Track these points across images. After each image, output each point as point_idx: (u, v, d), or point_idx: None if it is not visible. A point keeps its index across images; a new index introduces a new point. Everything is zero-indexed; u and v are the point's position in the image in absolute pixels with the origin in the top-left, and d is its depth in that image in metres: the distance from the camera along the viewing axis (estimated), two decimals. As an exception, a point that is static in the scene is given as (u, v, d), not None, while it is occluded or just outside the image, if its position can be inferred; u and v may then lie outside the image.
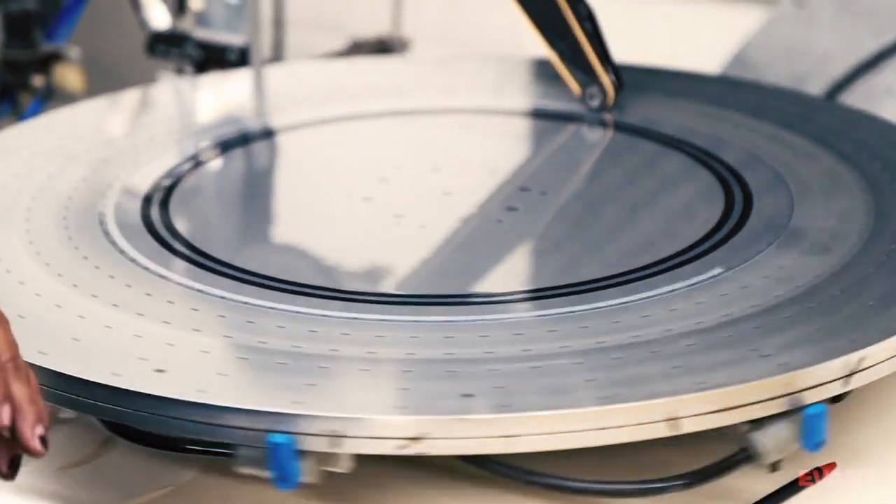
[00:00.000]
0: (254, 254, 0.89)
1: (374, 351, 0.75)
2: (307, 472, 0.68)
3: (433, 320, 0.78)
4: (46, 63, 1.27)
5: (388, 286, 0.85)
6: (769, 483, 0.75)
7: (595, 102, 1.04)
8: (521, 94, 1.17)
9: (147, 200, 0.94)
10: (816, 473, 0.75)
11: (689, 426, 0.69)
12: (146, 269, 0.84)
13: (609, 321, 0.78)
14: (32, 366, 0.69)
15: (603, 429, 0.69)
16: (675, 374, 0.71)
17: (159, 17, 1.27)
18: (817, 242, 0.87)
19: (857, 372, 0.72)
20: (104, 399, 0.71)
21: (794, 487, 0.75)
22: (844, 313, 0.77)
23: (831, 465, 0.75)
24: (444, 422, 0.68)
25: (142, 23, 1.28)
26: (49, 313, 0.78)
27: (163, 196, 0.96)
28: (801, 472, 0.75)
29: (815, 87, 1.19)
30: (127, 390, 0.70)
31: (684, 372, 0.72)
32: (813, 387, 0.71)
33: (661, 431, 0.69)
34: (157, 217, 0.92)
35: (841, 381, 0.72)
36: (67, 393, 0.72)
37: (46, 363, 0.72)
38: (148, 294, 0.81)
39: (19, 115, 1.33)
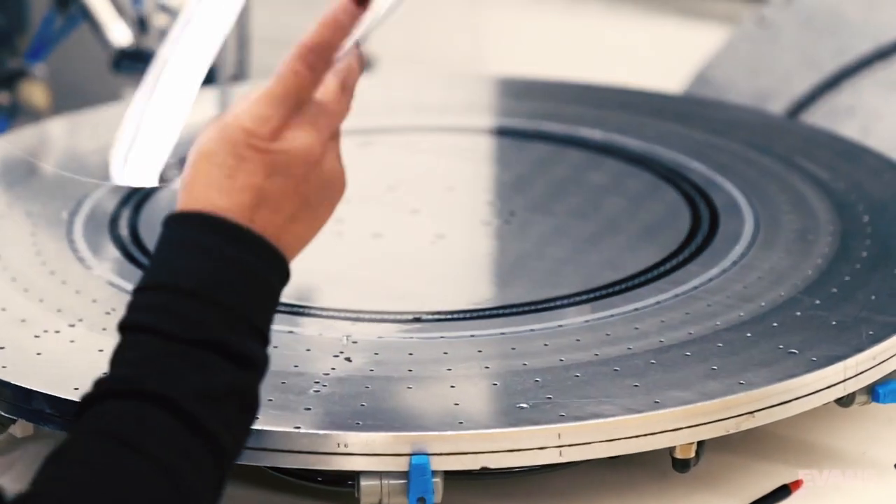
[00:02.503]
0: None
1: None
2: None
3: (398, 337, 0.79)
4: (11, 80, 1.29)
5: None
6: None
7: None
8: (487, 113, 1.16)
9: (113, 219, 0.96)
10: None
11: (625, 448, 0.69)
12: (114, 286, 0.85)
13: (572, 339, 0.78)
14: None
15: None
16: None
17: (120, 35, 1.29)
18: (776, 268, 0.86)
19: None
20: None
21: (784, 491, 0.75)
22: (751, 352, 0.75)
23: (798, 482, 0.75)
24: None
25: (102, 41, 1.30)
26: (13, 328, 0.79)
27: (129, 215, 0.97)
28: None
29: (778, 105, 1.18)
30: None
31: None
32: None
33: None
34: (124, 235, 0.94)
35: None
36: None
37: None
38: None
39: (-16, 132, 1.35)
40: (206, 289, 0.58)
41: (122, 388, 0.57)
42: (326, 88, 0.64)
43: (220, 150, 0.61)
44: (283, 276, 0.61)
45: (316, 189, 0.63)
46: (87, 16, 1.29)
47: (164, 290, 0.59)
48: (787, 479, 0.75)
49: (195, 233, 0.60)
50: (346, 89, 0.64)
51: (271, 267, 0.60)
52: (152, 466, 0.54)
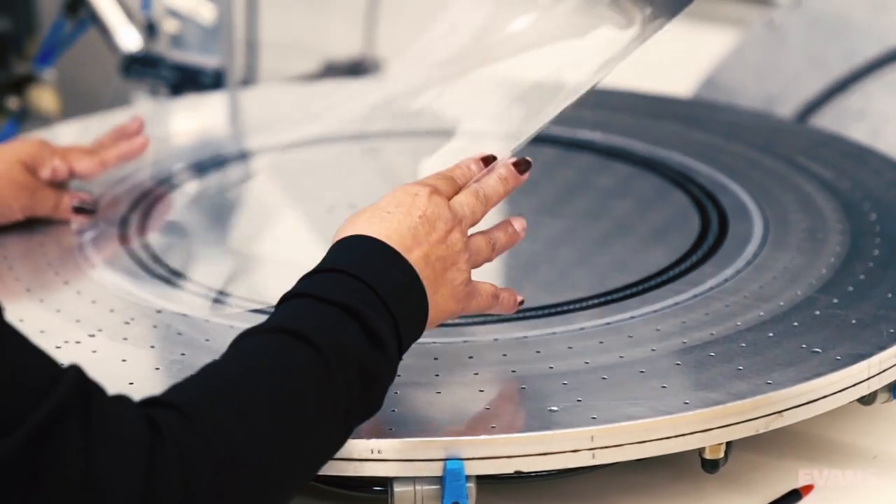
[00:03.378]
0: (237, 277, 0.90)
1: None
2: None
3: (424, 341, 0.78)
4: (21, 85, 1.28)
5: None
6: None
7: None
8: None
9: (124, 223, 0.95)
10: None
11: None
12: (129, 295, 0.84)
13: (595, 341, 0.78)
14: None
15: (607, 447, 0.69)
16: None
17: (129, 40, 1.28)
18: (789, 267, 0.86)
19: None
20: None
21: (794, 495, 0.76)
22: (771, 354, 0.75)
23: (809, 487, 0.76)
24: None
25: (112, 47, 1.29)
26: (34, 339, 0.79)
27: (139, 218, 0.97)
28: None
29: (787, 108, 1.18)
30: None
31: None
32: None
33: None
34: (133, 243, 0.93)
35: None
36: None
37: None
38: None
39: (-6, 136, 1.33)
40: (357, 271, 0.66)
41: (264, 328, 0.64)
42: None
43: (382, 201, 0.72)
44: (423, 305, 0.68)
45: (448, 265, 0.70)
46: (96, 20, 1.28)
47: (320, 272, 0.67)
48: (810, 478, 0.76)
49: (357, 244, 0.69)
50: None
51: (417, 290, 0.68)
52: (286, 376, 0.61)
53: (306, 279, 0.67)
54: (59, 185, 0.95)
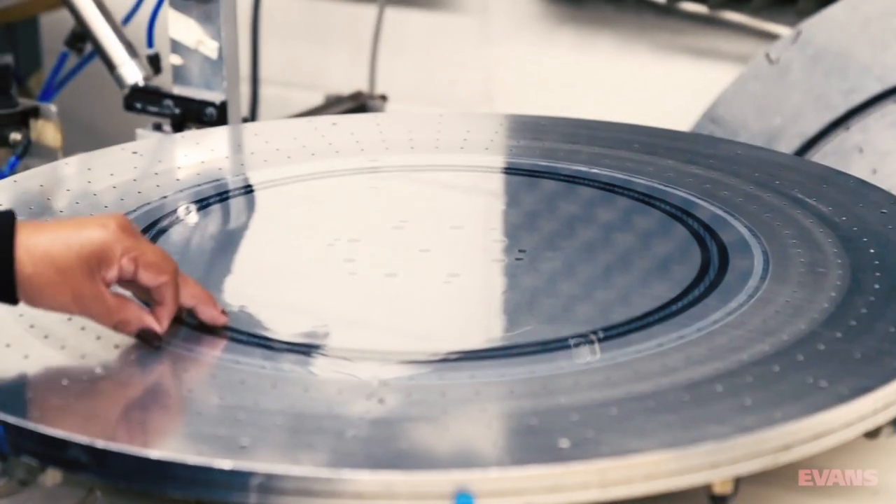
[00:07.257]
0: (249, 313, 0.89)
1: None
2: None
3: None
4: (24, 119, 1.28)
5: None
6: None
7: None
8: (495, 151, 1.17)
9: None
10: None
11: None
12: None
13: (602, 376, 0.78)
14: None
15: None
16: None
17: (133, 74, 1.28)
18: (791, 301, 0.87)
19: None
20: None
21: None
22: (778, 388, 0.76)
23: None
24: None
25: (117, 81, 1.29)
26: (39, 375, 0.79)
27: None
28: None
29: (787, 144, 1.19)
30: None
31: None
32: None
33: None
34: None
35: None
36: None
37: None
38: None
39: (-3, 170, 1.33)
40: None
41: None
42: None
43: None
44: None
45: None
46: (99, 55, 1.28)
47: None
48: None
49: None
50: None
51: None
52: None
53: None
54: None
